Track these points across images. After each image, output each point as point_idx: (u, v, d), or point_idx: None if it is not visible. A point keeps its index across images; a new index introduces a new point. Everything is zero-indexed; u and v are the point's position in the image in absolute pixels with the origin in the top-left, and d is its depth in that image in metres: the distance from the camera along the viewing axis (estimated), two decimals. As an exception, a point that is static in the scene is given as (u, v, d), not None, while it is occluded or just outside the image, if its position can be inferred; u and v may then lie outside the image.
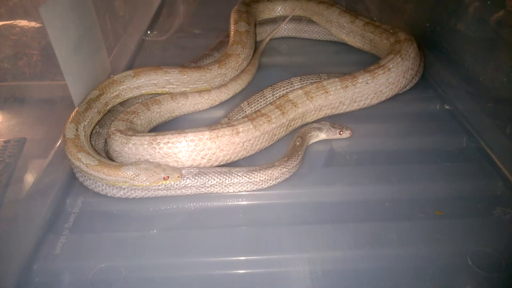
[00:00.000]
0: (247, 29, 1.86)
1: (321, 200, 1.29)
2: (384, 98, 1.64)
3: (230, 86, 1.74)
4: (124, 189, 1.27)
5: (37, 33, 1.68)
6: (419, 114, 1.66)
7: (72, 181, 1.37)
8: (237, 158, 1.38)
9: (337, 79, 1.57)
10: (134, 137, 1.29)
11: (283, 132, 1.50)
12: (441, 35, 1.85)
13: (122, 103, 1.60)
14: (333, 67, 1.90)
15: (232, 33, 1.87)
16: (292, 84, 1.72)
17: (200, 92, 1.66)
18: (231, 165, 1.37)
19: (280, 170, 1.30)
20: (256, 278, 1.08)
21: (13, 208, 1.24)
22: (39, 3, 1.30)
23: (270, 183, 1.31)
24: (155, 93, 1.62)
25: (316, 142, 1.51)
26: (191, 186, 1.27)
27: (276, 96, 1.67)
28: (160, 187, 1.26)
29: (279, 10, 2.25)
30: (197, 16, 2.72)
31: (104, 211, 1.27)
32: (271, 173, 1.29)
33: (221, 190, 1.29)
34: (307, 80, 1.72)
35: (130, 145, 1.28)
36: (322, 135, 1.48)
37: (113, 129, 1.35)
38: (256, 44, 2.03)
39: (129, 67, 2.02)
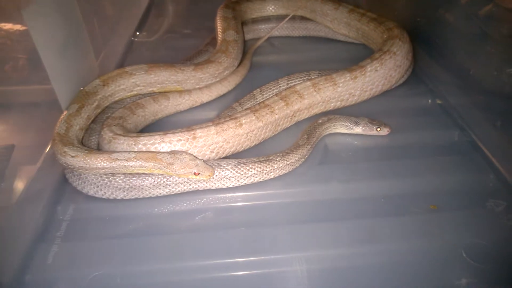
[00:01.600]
0: (235, 39, 1.83)
1: (316, 198, 1.29)
2: (394, 82, 1.67)
3: (214, 88, 1.71)
4: (120, 190, 1.26)
5: (22, 37, 1.64)
6: (411, 109, 1.67)
7: (63, 187, 1.35)
8: (242, 149, 1.41)
9: (345, 71, 1.57)
10: (142, 137, 1.30)
11: (288, 123, 1.52)
12: (432, 30, 1.85)
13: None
14: (326, 64, 1.89)
15: (219, 41, 1.84)
16: (279, 85, 1.71)
17: (180, 92, 1.65)
18: (238, 156, 1.39)
19: (306, 148, 1.38)
20: (254, 279, 1.08)
21: (3, 217, 1.21)
22: (22, 6, 1.28)
23: (301, 161, 1.38)
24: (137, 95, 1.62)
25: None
26: (230, 177, 1.28)
27: (265, 97, 1.67)
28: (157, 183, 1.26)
29: (269, 9, 2.25)
30: (186, 16, 2.69)
31: (97, 217, 1.26)
32: (301, 152, 1.36)
33: (262, 179, 1.32)
34: (296, 79, 1.71)
35: (140, 145, 1.28)
36: (357, 129, 1.48)
37: (111, 134, 1.33)
38: (247, 44, 2.02)
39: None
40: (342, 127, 1.49)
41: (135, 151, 1.24)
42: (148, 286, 1.07)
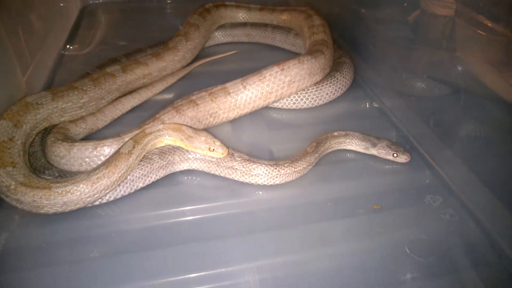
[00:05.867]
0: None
1: (265, 207, 1.29)
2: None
3: (107, 111, 1.63)
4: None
5: None
6: (351, 113, 1.73)
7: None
8: None
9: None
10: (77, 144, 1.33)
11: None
12: (366, 38, 1.94)
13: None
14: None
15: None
16: None
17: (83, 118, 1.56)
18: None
19: (314, 156, 1.39)
20: (207, 295, 1.04)
21: None
22: None
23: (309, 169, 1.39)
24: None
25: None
26: (237, 169, 1.31)
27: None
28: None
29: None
30: (120, 26, 2.61)
31: (32, 245, 1.16)
32: (309, 160, 1.36)
33: (267, 182, 1.32)
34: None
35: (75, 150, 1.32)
36: (373, 151, 1.43)
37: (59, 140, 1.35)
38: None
39: (48, 85, 1.87)
40: (358, 146, 1.45)
41: (161, 124, 1.35)
42: (92, 314, 1.00)
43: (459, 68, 1.38)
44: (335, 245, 1.17)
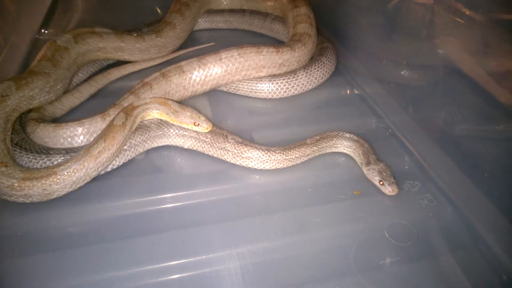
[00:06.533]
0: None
1: (245, 193, 1.28)
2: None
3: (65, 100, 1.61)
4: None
5: None
6: (332, 100, 1.73)
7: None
8: None
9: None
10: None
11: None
12: (347, 24, 1.94)
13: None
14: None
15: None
16: None
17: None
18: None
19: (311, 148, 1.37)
20: (188, 282, 1.04)
21: None
22: None
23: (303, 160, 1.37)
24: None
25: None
26: (229, 150, 1.32)
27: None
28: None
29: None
30: (98, 10, 2.53)
31: (6, 235, 1.14)
32: (304, 150, 1.35)
33: (257, 166, 1.33)
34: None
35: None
36: (363, 167, 1.34)
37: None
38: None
39: (23, 69, 1.81)
40: (357, 158, 1.38)
41: (150, 97, 1.39)
42: (70, 303, 0.98)
43: (438, 56, 1.39)
44: (315, 230, 1.17)
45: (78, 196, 1.24)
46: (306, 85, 1.71)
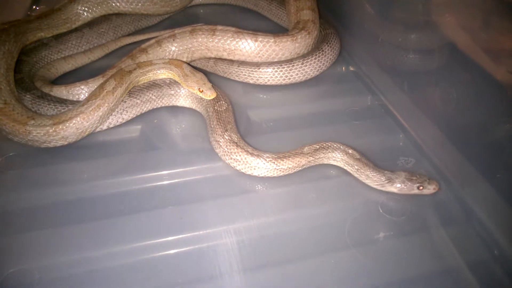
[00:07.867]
0: None
1: (239, 170, 1.29)
2: None
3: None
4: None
5: None
6: (328, 77, 1.72)
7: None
8: None
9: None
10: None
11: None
12: (343, 1, 1.91)
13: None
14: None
15: None
16: None
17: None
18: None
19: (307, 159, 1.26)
20: (186, 257, 1.06)
21: None
22: None
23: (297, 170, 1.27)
24: None
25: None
26: (221, 146, 1.28)
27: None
28: None
29: None
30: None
31: (5, 211, 1.14)
32: (299, 161, 1.24)
33: (244, 170, 1.25)
34: None
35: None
36: (391, 188, 1.19)
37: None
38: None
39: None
40: (369, 180, 1.21)
41: (168, 58, 1.53)
42: (70, 277, 1.00)
43: (434, 33, 1.38)
44: (309, 206, 1.19)
45: (74, 174, 1.26)
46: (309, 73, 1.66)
